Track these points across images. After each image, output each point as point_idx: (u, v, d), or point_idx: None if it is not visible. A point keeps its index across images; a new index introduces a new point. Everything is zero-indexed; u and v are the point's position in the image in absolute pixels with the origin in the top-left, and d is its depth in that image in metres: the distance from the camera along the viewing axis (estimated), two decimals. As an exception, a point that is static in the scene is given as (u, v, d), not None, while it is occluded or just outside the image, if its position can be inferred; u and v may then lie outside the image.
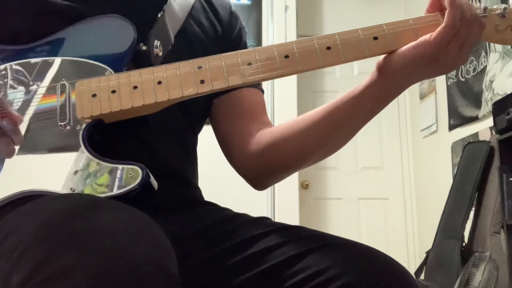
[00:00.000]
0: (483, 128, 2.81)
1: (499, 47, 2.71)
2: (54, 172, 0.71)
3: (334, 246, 0.73)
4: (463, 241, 2.33)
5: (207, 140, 1.04)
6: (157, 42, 0.82)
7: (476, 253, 2.12)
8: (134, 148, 0.81)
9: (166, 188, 0.75)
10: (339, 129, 0.83)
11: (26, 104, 0.75)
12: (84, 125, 0.73)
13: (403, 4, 3.94)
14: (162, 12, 0.86)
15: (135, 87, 0.74)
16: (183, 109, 0.85)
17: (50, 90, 0.75)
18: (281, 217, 3.04)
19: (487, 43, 2.69)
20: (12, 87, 0.76)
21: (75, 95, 0.74)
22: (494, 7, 0.81)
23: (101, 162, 0.70)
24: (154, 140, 0.83)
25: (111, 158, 0.71)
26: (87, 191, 0.69)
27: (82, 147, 0.71)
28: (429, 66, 0.75)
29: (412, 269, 2.95)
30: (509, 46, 2.43)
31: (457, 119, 3.14)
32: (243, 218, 0.83)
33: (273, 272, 0.72)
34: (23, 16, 0.81)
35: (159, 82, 0.74)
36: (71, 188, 0.69)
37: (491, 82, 2.76)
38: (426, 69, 0.75)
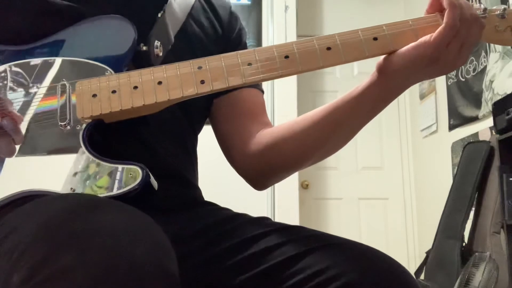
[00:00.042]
0: (483, 128, 2.81)
1: (499, 47, 2.71)
2: (54, 173, 0.71)
3: (334, 246, 0.73)
4: (463, 241, 2.33)
5: (207, 140, 1.04)
6: (157, 43, 0.82)
7: (476, 253, 2.12)
8: (134, 148, 0.81)
9: (166, 188, 0.75)
10: (339, 129, 0.84)
11: (26, 105, 0.75)
12: (84, 125, 0.73)
13: (403, 4, 3.94)
14: (162, 12, 0.86)
15: (136, 87, 0.74)
16: (183, 109, 0.85)
17: (50, 91, 0.75)
18: (281, 217, 3.04)
19: (487, 43, 2.69)
20: (11, 89, 0.76)
21: (75, 95, 0.74)
22: (494, 7, 0.81)
23: (101, 162, 0.70)
24: (154, 140, 0.83)
25: (111, 158, 0.71)
26: (87, 193, 0.69)
27: (82, 147, 0.71)
28: (429, 67, 0.75)
29: (412, 269, 2.95)
30: (509, 46, 2.42)
31: (457, 119, 3.14)
32: (243, 218, 0.83)
33: (273, 272, 0.72)
34: (23, 16, 0.81)
35: (159, 82, 0.74)
36: (71, 188, 0.69)
37: (491, 82, 2.76)
38: (426, 69, 0.75)
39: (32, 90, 0.76)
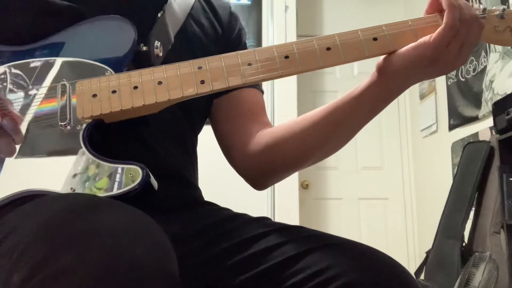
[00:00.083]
0: (483, 128, 2.81)
1: (499, 47, 2.71)
2: (54, 173, 0.71)
3: (334, 246, 0.73)
4: (463, 241, 2.33)
5: (207, 140, 1.04)
6: (157, 43, 0.82)
7: (476, 253, 2.12)
8: (134, 148, 0.81)
9: (166, 188, 0.75)
10: (339, 129, 0.84)
11: (25, 107, 0.75)
12: (84, 125, 0.73)
13: (403, 4, 3.95)
14: (162, 12, 0.86)
15: (136, 87, 0.74)
16: (183, 109, 0.86)
17: (51, 91, 0.75)
18: (281, 217, 3.04)
19: (487, 43, 2.69)
20: (11, 91, 0.76)
21: (75, 95, 0.74)
22: (493, 8, 0.81)
23: (101, 163, 0.70)
24: (154, 140, 0.83)
25: (111, 158, 0.71)
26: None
27: (82, 147, 0.71)
28: (429, 67, 0.75)
29: (412, 269, 2.95)
30: (508, 47, 2.43)
31: (457, 119, 3.14)
32: (243, 218, 0.83)
33: (273, 272, 0.72)
34: (23, 16, 0.81)
35: (160, 83, 0.74)
36: (71, 188, 0.69)
37: (491, 82, 2.76)
38: (426, 69, 0.75)
39: (32, 92, 0.76)
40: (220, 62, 0.75)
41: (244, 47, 0.98)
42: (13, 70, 0.78)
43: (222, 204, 0.89)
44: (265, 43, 3.30)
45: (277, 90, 3.22)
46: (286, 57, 0.75)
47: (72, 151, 0.71)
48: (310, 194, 3.73)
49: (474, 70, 2.96)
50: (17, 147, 0.71)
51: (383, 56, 0.77)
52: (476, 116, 2.90)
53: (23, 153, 0.72)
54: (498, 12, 0.80)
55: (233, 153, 0.93)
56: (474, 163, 2.37)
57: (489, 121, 2.63)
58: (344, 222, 3.71)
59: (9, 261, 0.53)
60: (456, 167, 2.59)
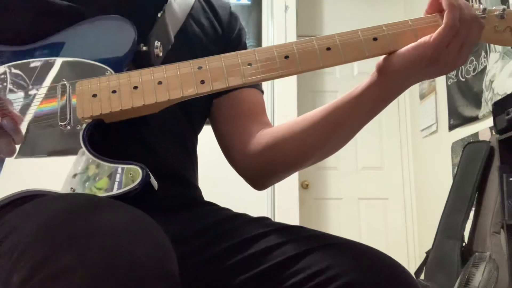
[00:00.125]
0: (483, 128, 2.81)
1: (499, 47, 2.71)
2: (54, 173, 0.71)
3: (334, 246, 0.73)
4: (463, 241, 2.33)
5: (207, 140, 1.04)
6: (157, 43, 0.82)
7: (476, 253, 2.12)
8: (134, 148, 0.81)
9: (166, 188, 0.75)
10: (339, 129, 0.84)
11: (25, 107, 0.75)
12: (84, 125, 0.73)
13: (403, 4, 3.95)
14: (162, 12, 0.86)
15: (136, 87, 0.74)
16: (183, 109, 0.86)
17: (51, 91, 0.75)
18: (281, 217, 3.04)
19: (487, 43, 2.69)
20: (11, 91, 0.76)
21: (75, 95, 0.74)
22: (493, 8, 0.81)
23: (101, 163, 0.70)
24: (154, 140, 0.83)
25: (111, 158, 0.71)
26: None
27: (82, 147, 0.71)
28: (429, 67, 0.75)
29: (412, 269, 2.95)
30: (508, 47, 2.43)
31: (457, 119, 3.14)
32: (243, 218, 0.83)
33: (273, 272, 0.72)
34: (23, 16, 0.81)
35: (160, 83, 0.74)
36: (71, 188, 0.69)
37: (491, 82, 2.76)
38: (426, 70, 0.75)
39: (32, 92, 0.76)
40: (220, 62, 0.75)
41: (244, 47, 0.98)
42: (13, 70, 0.78)
43: (222, 204, 0.89)
44: (265, 43, 3.31)
45: (277, 90, 3.22)
46: (286, 57, 0.75)
47: (72, 151, 0.71)
48: (310, 194, 3.73)
49: (474, 70, 2.96)
50: (17, 147, 0.71)
51: (383, 56, 0.77)
52: (476, 116, 2.90)
53: (23, 153, 0.72)
54: (498, 12, 0.80)
55: (233, 153, 0.93)
56: (474, 163, 2.37)
57: (489, 121, 2.63)
58: (344, 222, 3.71)
59: (9, 261, 0.53)
60: (456, 167, 2.59)
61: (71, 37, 0.80)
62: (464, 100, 3.07)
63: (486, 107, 2.78)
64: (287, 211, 3.08)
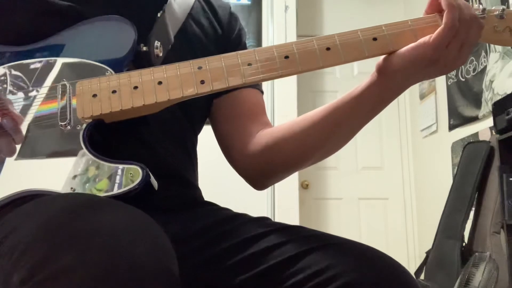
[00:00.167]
0: (483, 128, 2.81)
1: (499, 47, 2.71)
2: (54, 173, 0.71)
3: (334, 245, 0.73)
4: (463, 241, 2.33)
5: (207, 140, 1.04)
6: (157, 43, 0.82)
7: (476, 253, 2.12)
8: (134, 148, 0.81)
9: (166, 188, 0.75)
10: (339, 129, 0.84)
11: (26, 108, 0.75)
12: (84, 125, 0.73)
13: (403, 4, 3.95)
14: (162, 12, 0.86)
15: (136, 87, 0.74)
16: (183, 109, 0.86)
17: (51, 91, 0.75)
18: (281, 217, 3.04)
19: (486, 43, 2.69)
20: (11, 92, 0.76)
21: (75, 95, 0.74)
22: (493, 8, 0.81)
23: (101, 163, 0.70)
24: (154, 140, 0.83)
25: (111, 158, 0.71)
26: None
27: (83, 147, 0.71)
28: (429, 67, 0.75)
29: (412, 269, 2.95)
30: (508, 47, 2.43)
31: (457, 119, 3.14)
32: (243, 218, 0.83)
33: (273, 272, 0.72)
34: (23, 17, 0.81)
35: (160, 83, 0.74)
36: (72, 188, 0.69)
37: (491, 82, 2.76)
38: (426, 70, 0.75)
39: (32, 93, 0.76)
40: (220, 62, 0.75)
41: (244, 47, 0.98)
42: (13, 72, 0.78)
43: (222, 204, 0.89)
44: (265, 43, 3.31)
45: (277, 90, 3.22)
46: (286, 57, 0.76)
47: (72, 152, 0.71)
48: (310, 194, 3.73)
49: (474, 70, 2.96)
50: (18, 147, 0.71)
51: (383, 56, 0.77)
52: (476, 116, 2.90)
53: (23, 155, 0.72)
54: (497, 12, 0.80)
55: (233, 153, 0.93)
56: (474, 163, 2.37)
57: (489, 121, 2.63)
58: (344, 222, 3.71)
59: (9, 261, 0.53)
60: (456, 167, 2.59)
61: (71, 38, 0.80)
62: (464, 100, 3.07)
63: (486, 107, 2.78)
64: (287, 211, 3.08)
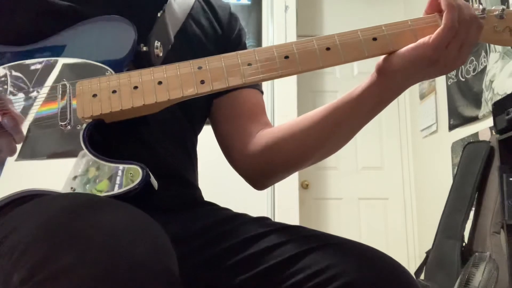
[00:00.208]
0: (483, 128, 2.81)
1: (499, 47, 2.71)
2: (54, 175, 0.71)
3: (334, 245, 0.73)
4: (463, 241, 2.33)
5: (207, 140, 1.04)
6: (157, 43, 0.82)
7: (476, 253, 2.12)
8: (134, 148, 0.81)
9: (166, 188, 0.75)
10: (339, 129, 0.84)
11: (26, 109, 0.75)
12: (84, 125, 0.73)
13: (403, 4, 3.95)
14: (162, 12, 0.86)
15: (136, 87, 0.74)
16: (183, 109, 0.86)
17: (52, 91, 0.75)
18: (281, 217, 3.04)
19: (486, 43, 2.69)
20: (11, 93, 0.76)
21: (76, 96, 0.74)
22: (493, 8, 0.81)
23: (101, 163, 0.70)
24: (154, 140, 0.83)
25: (111, 158, 0.71)
26: None
27: (83, 147, 0.71)
28: (429, 67, 0.75)
29: (412, 269, 2.95)
30: (508, 46, 2.43)
31: (457, 119, 3.14)
32: (243, 218, 0.83)
33: (273, 272, 0.72)
34: (23, 16, 0.81)
35: (160, 82, 0.74)
36: (72, 188, 0.69)
37: (491, 82, 2.76)
38: (426, 70, 0.75)
39: (33, 94, 0.76)
40: (220, 62, 0.75)
41: (244, 47, 0.98)
42: (14, 73, 0.78)
43: (222, 204, 0.89)
44: (265, 43, 3.31)
45: (277, 90, 3.22)
46: (286, 57, 0.76)
47: (73, 153, 0.71)
48: (310, 194, 3.73)
49: (474, 70, 2.96)
50: (18, 147, 0.71)
51: (382, 56, 0.77)
52: (476, 116, 2.90)
53: (23, 155, 0.72)
54: (497, 12, 0.80)
55: (233, 153, 0.93)
56: (474, 163, 2.37)
57: (489, 121, 2.63)
58: (344, 222, 3.71)
59: (9, 261, 0.53)
60: (456, 167, 2.59)
61: (72, 38, 0.80)
62: (464, 100, 3.07)
63: (486, 107, 2.78)
64: (287, 211, 3.08)
